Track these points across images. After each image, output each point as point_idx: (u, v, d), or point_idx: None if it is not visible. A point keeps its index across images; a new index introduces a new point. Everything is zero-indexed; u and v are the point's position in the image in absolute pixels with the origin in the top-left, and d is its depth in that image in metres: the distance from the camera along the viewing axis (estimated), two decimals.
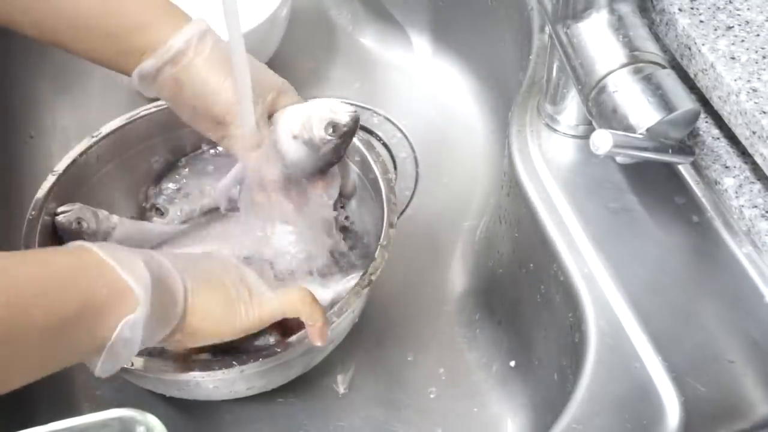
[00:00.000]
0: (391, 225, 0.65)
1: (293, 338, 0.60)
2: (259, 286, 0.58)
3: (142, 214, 0.75)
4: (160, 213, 0.75)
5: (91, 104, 0.92)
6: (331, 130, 0.64)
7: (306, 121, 0.64)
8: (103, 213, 0.69)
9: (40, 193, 0.67)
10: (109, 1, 0.62)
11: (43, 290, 0.47)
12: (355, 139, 0.71)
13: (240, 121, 0.62)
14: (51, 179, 0.68)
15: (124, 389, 0.69)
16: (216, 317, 0.55)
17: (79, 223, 0.67)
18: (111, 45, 0.62)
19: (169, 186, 0.76)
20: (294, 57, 0.94)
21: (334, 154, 0.66)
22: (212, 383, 0.61)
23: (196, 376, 0.59)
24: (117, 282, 0.49)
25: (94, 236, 0.68)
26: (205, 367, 0.58)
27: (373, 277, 0.62)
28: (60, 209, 0.67)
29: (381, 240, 0.64)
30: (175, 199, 0.75)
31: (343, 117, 0.64)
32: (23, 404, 0.68)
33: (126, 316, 0.49)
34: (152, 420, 0.48)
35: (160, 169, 0.76)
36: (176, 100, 0.64)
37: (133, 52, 0.62)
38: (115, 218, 0.70)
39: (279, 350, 0.59)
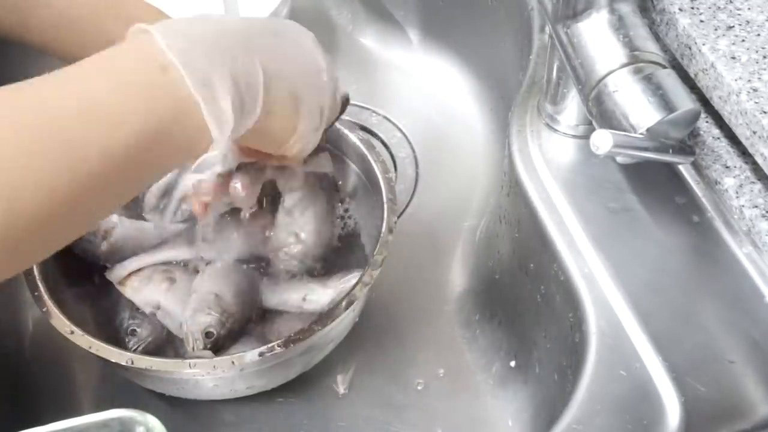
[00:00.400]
0: (390, 225, 0.65)
1: (292, 336, 0.59)
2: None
3: (141, 215, 0.75)
4: (160, 213, 0.75)
5: None
6: None
7: None
8: None
9: None
10: (105, 5, 0.61)
11: (101, 118, 0.42)
12: (355, 139, 0.71)
13: None
14: None
15: (124, 389, 0.69)
16: (280, 132, 0.52)
17: None
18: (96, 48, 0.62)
19: (169, 186, 0.76)
20: None
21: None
22: (212, 382, 0.61)
23: (195, 374, 0.59)
24: (199, 126, 0.45)
25: (93, 235, 0.69)
26: (205, 365, 0.58)
27: (373, 277, 0.62)
28: None
29: (380, 240, 0.64)
30: (174, 199, 0.75)
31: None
32: (24, 404, 0.68)
33: (201, 155, 0.47)
34: (152, 420, 0.48)
35: None
36: None
37: None
38: (114, 217, 0.70)
39: (279, 349, 0.59)
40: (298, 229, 0.69)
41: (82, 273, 0.70)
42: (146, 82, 0.44)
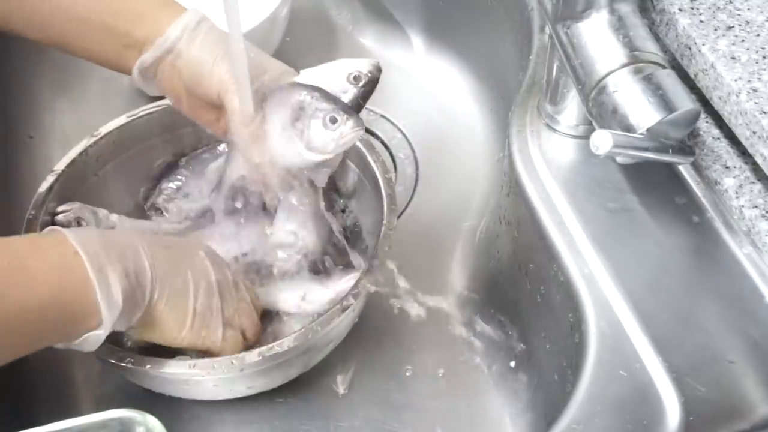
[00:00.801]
0: (390, 225, 0.65)
1: (292, 337, 0.59)
2: (221, 313, 0.60)
3: (141, 214, 0.75)
4: (160, 213, 0.75)
5: (91, 104, 0.92)
6: (353, 79, 0.64)
7: (326, 78, 0.64)
8: (102, 212, 0.69)
9: (40, 192, 0.67)
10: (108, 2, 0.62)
11: (23, 281, 0.49)
12: None
13: (236, 96, 0.61)
14: (50, 179, 0.68)
15: (124, 389, 0.68)
16: (168, 327, 0.58)
17: (78, 222, 0.67)
18: (109, 40, 0.62)
19: (169, 186, 0.76)
20: (294, 57, 0.94)
21: (356, 105, 0.65)
22: (212, 382, 0.61)
23: (196, 374, 0.59)
24: (90, 301, 0.52)
25: None
26: (205, 365, 0.58)
27: (373, 276, 0.62)
28: (59, 209, 0.67)
29: (380, 241, 0.64)
30: (175, 199, 0.75)
31: (365, 67, 0.65)
32: (23, 404, 0.68)
33: (90, 331, 0.53)
34: (152, 420, 0.48)
35: (160, 169, 0.76)
36: (174, 90, 0.64)
37: (131, 46, 0.62)
38: (114, 217, 0.70)
39: (279, 349, 0.59)
40: (296, 227, 0.69)
41: None
42: (59, 258, 0.52)
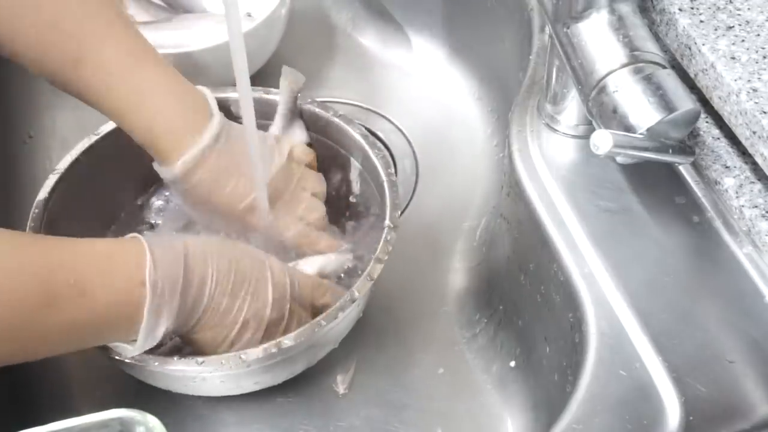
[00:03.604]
0: (394, 221, 0.65)
1: (298, 332, 0.60)
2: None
3: (141, 213, 0.75)
4: (160, 212, 0.75)
5: None
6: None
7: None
8: None
9: (42, 193, 0.67)
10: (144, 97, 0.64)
11: (81, 289, 0.51)
12: (356, 135, 0.71)
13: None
14: (53, 178, 0.68)
15: (124, 389, 0.69)
16: (199, 347, 0.60)
17: None
18: (156, 126, 0.64)
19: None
20: (294, 57, 0.94)
21: None
22: (219, 378, 0.62)
23: (203, 371, 0.59)
24: (133, 329, 0.54)
25: None
26: (213, 361, 0.59)
27: (379, 266, 0.62)
28: None
29: (384, 235, 0.64)
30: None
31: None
32: (23, 404, 0.68)
33: (128, 346, 0.56)
34: (152, 420, 0.48)
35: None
36: (201, 201, 0.67)
37: (175, 132, 0.65)
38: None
39: (287, 344, 0.59)
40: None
41: None
42: (125, 282, 0.53)
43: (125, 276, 0.53)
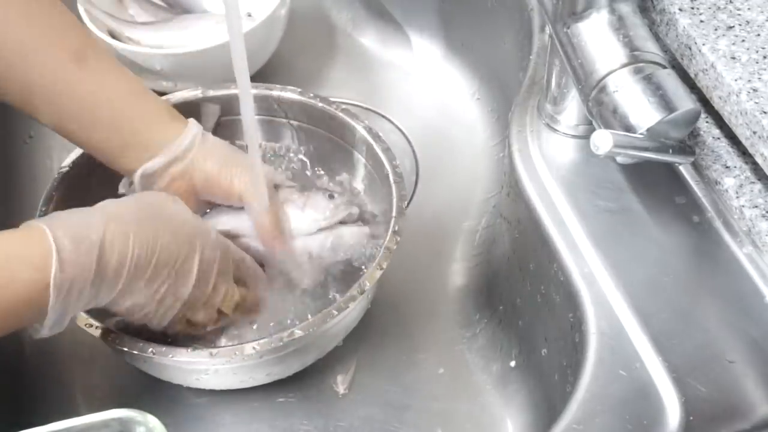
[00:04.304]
0: (400, 211, 0.65)
1: (308, 322, 0.60)
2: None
3: None
4: None
5: None
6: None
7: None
8: None
9: (48, 189, 0.68)
10: (120, 100, 0.64)
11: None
12: (361, 129, 0.71)
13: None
14: (58, 177, 0.68)
15: (124, 389, 0.69)
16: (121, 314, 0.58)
17: None
18: (115, 137, 0.64)
19: None
20: (294, 57, 0.94)
21: None
22: (232, 370, 0.62)
23: (216, 363, 0.59)
24: (42, 315, 0.52)
25: None
26: (227, 353, 0.59)
27: (389, 255, 0.63)
28: None
29: (391, 226, 0.64)
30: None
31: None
32: (23, 404, 0.68)
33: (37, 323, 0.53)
34: (152, 420, 0.48)
35: None
36: (181, 194, 0.65)
37: (135, 146, 0.64)
38: None
39: (298, 333, 0.59)
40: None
41: None
42: (26, 289, 0.50)
43: (27, 280, 0.50)
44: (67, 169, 0.69)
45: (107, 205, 0.57)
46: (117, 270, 0.54)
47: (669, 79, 0.55)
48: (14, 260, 0.50)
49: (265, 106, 0.74)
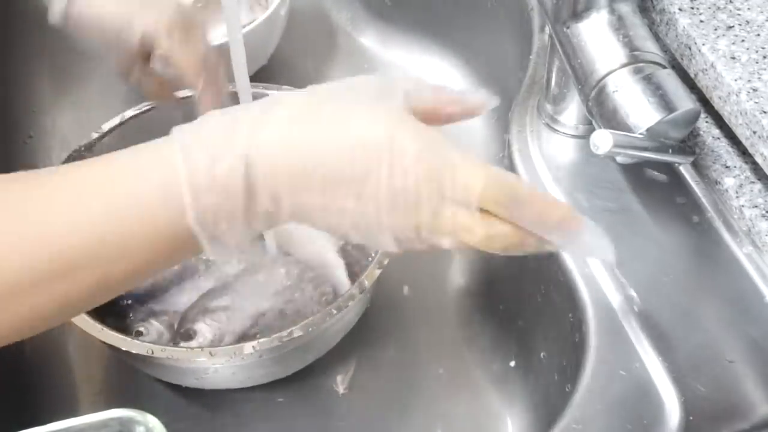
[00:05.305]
0: None
1: (308, 321, 0.60)
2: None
3: None
4: None
5: (90, 104, 0.92)
6: None
7: None
8: None
9: None
10: None
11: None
12: None
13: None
14: None
15: (124, 389, 0.69)
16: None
17: None
18: None
19: None
20: (294, 57, 0.94)
21: None
22: (231, 370, 0.62)
23: (216, 362, 0.59)
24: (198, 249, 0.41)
25: None
26: (225, 352, 0.59)
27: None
28: None
29: None
30: None
31: None
32: (23, 404, 0.68)
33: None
34: (152, 420, 0.48)
35: None
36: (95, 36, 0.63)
37: None
38: None
39: (298, 333, 0.59)
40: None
41: None
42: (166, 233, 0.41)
43: (162, 224, 0.40)
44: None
45: (251, 109, 0.43)
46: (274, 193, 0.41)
47: (669, 79, 0.55)
48: (141, 204, 0.40)
49: None
